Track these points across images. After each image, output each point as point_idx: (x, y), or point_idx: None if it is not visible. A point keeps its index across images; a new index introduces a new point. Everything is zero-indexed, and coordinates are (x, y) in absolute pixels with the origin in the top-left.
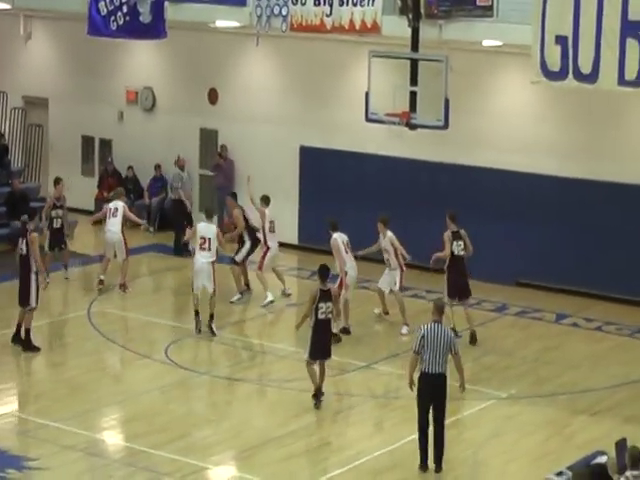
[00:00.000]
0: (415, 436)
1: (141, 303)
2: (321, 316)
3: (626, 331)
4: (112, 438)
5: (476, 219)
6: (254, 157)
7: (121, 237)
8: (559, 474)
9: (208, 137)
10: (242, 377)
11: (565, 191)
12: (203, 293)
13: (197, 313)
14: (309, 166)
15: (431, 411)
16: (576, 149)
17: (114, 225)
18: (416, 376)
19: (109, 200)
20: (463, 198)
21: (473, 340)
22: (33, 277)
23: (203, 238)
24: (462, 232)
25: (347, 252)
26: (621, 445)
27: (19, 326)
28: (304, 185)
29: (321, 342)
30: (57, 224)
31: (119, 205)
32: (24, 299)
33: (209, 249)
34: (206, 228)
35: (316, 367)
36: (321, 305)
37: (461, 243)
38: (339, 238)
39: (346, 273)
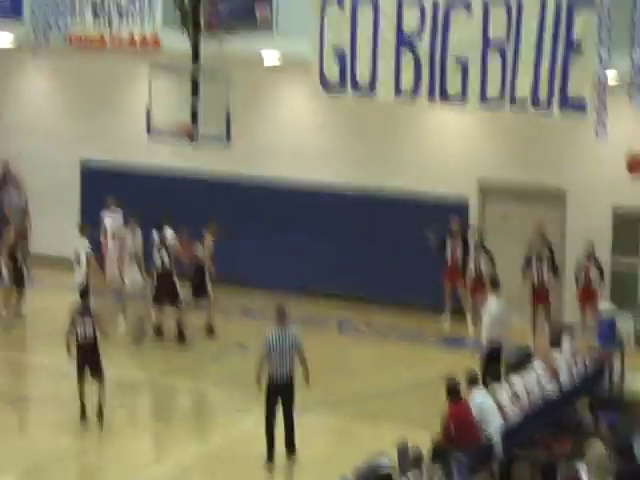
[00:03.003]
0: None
1: None
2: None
3: (406, 336)
4: None
5: (260, 230)
6: (34, 172)
7: None
8: None
9: None
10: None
11: (345, 201)
12: None
13: None
14: (90, 181)
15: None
16: (356, 159)
17: None
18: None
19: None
20: (245, 210)
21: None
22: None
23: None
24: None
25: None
26: (402, 448)
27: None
28: (85, 200)
29: (83, 360)
30: None
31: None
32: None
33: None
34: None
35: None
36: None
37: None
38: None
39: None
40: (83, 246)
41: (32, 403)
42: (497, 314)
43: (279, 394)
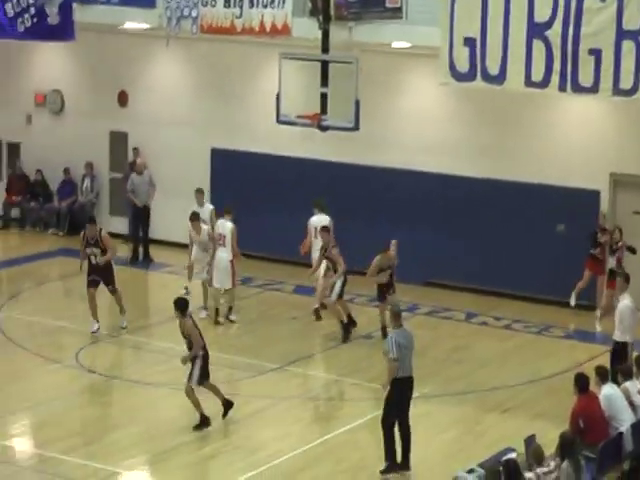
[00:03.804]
0: (328, 436)
1: (51, 308)
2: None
3: (534, 329)
4: (21, 445)
5: (386, 219)
6: (165, 159)
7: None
8: (470, 471)
9: (118, 140)
10: (153, 381)
11: (473, 191)
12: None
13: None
14: (220, 168)
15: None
16: (484, 149)
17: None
18: None
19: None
20: (374, 199)
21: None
22: None
23: (220, 234)
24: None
25: (316, 237)
26: (530, 442)
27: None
28: (215, 187)
29: (207, 368)
30: None
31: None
32: None
33: (225, 245)
34: (223, 225)
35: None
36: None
37: None
38: (311, 222)
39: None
40: (228, 228)
41: (157, 388)
42: (632, 310)
43: (406, 396)
